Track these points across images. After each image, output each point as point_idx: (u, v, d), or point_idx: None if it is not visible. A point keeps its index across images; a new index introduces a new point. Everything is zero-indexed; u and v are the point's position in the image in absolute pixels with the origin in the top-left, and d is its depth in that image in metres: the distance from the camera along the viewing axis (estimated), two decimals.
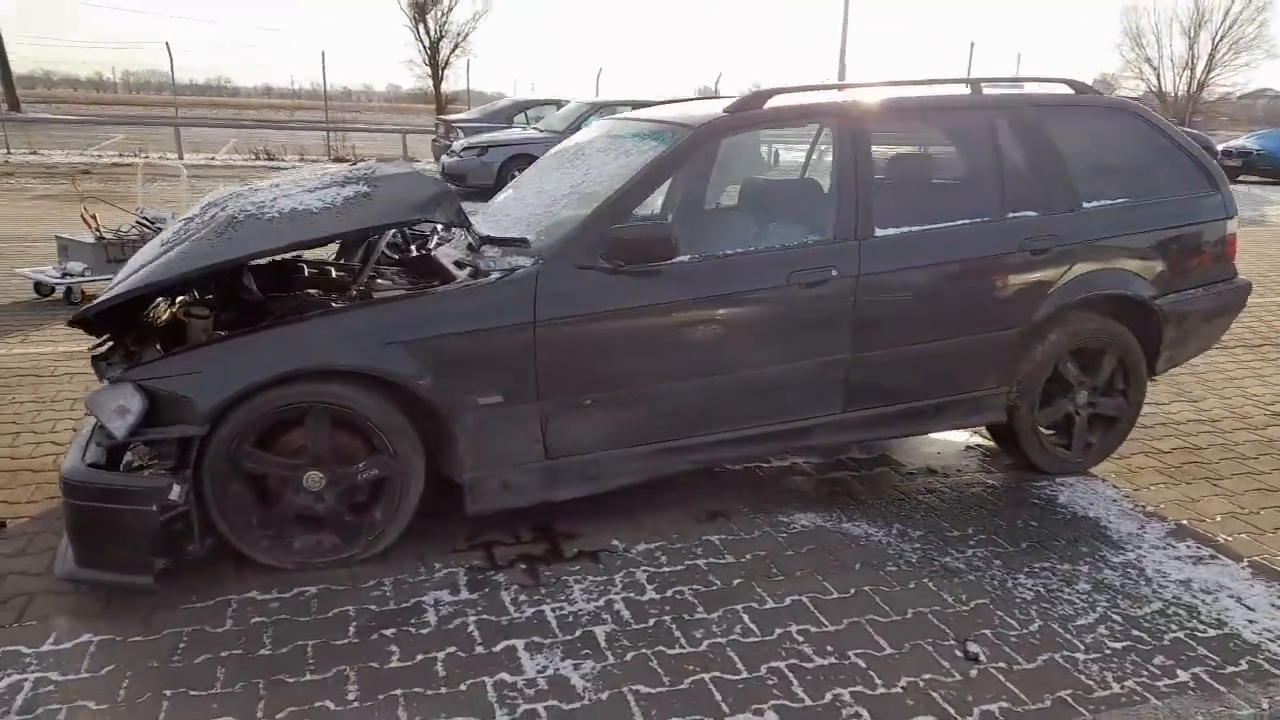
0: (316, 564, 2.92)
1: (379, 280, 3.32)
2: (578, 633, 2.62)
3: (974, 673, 2.48)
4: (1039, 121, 3.63)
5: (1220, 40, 43.37)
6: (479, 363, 2.91)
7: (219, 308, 3.19)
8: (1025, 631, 2.68)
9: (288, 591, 2.81)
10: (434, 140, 18.35)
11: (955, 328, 3.47)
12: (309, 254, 3.56)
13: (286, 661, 2.46)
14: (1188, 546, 3.23)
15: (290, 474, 2.85)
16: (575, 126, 12.33)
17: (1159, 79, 45.15)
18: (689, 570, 2.99)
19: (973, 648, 2.58)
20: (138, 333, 3.12)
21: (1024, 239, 3.51)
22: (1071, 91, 3.86)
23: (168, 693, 2.32)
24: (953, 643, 2.61)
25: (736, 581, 2.93)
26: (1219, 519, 3.46)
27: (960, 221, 3.52)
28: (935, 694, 2.38)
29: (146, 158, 17.66)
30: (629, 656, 2.51)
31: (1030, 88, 4.06)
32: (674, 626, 2.66)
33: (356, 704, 2.29)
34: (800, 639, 2.61)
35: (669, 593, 2.85)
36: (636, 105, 7.91)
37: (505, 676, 2.41)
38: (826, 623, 2.70)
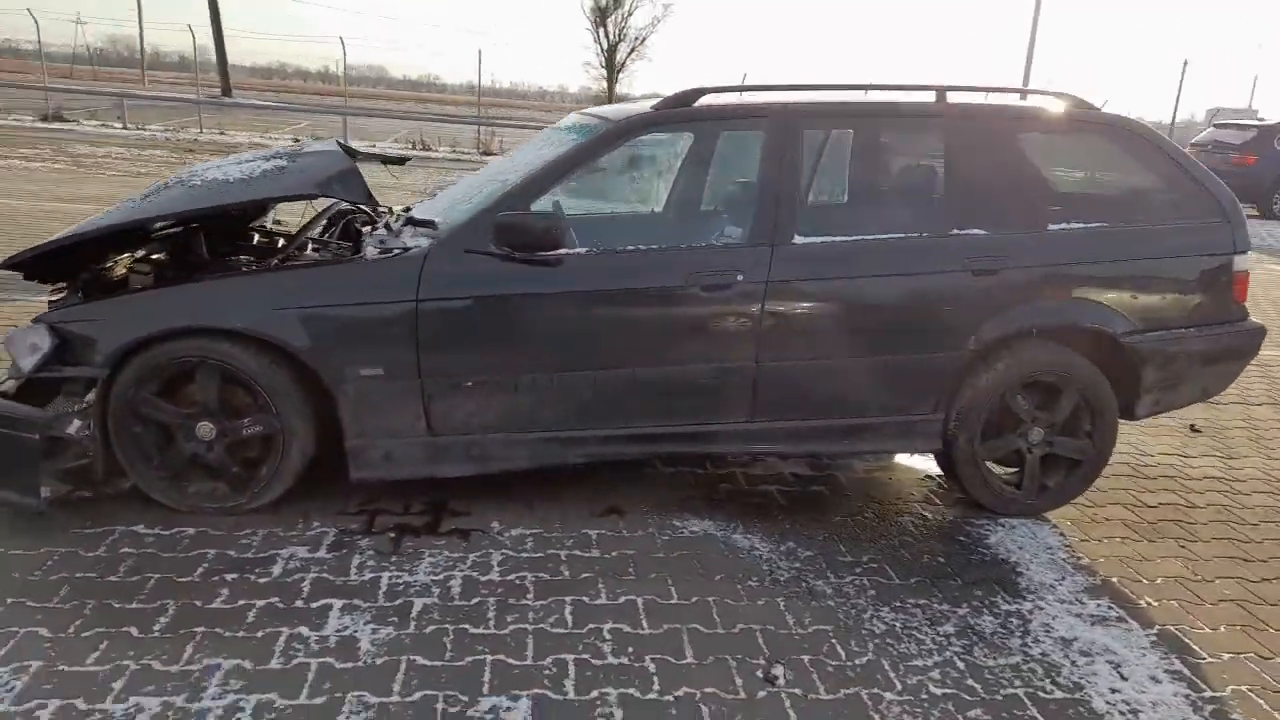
0: (206, 509, 3.14)
1: (308, 252, 3.51)
2: (398, 601, 2.70)
3: (761, 694, 2.38)
4: (1006, 135, 3.39)
5: None
6: (362, 335, 3.04)
7: (170, 266, 3.47)
8: (848, 664, 2.54)
9: (169, 530, 3.03)
10: None
11: (880, 345, 3.30)
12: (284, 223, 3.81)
13: (124, 589, 2.67)
14: (1098, 605, 2.95)
15: (183, 423, 3.08)
16: None
17: None
18: (546, 559, 3.01)
19: (776, 670, 2.47)
20: (94, 282, 3.43)
21: (966, 258, 3.29)
22: (1063, 106, 3.58)
23: (9, 600, 2.57)
24: (762, 663, 2.51)
25: (584, 575, 2.92)
26: (1159, 582, 3.13)
27: (894, 234, 3.35)
28: (706, 708, 2.31)
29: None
30: (429, 630, 2.57)
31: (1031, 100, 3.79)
32: (492, 609, 2.69)
33: (157, 634, 2.47)
34: (608, 637, 2.58)
35: (511, 577, 2.88)
36: None
37: (304, 630, 2.52)
38: (645, 626, 2.65)
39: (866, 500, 3.64)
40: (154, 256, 3.47)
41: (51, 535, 2.94)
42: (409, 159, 4.55)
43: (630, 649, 2.53)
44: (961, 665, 2.57)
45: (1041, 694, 2.47)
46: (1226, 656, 2.69)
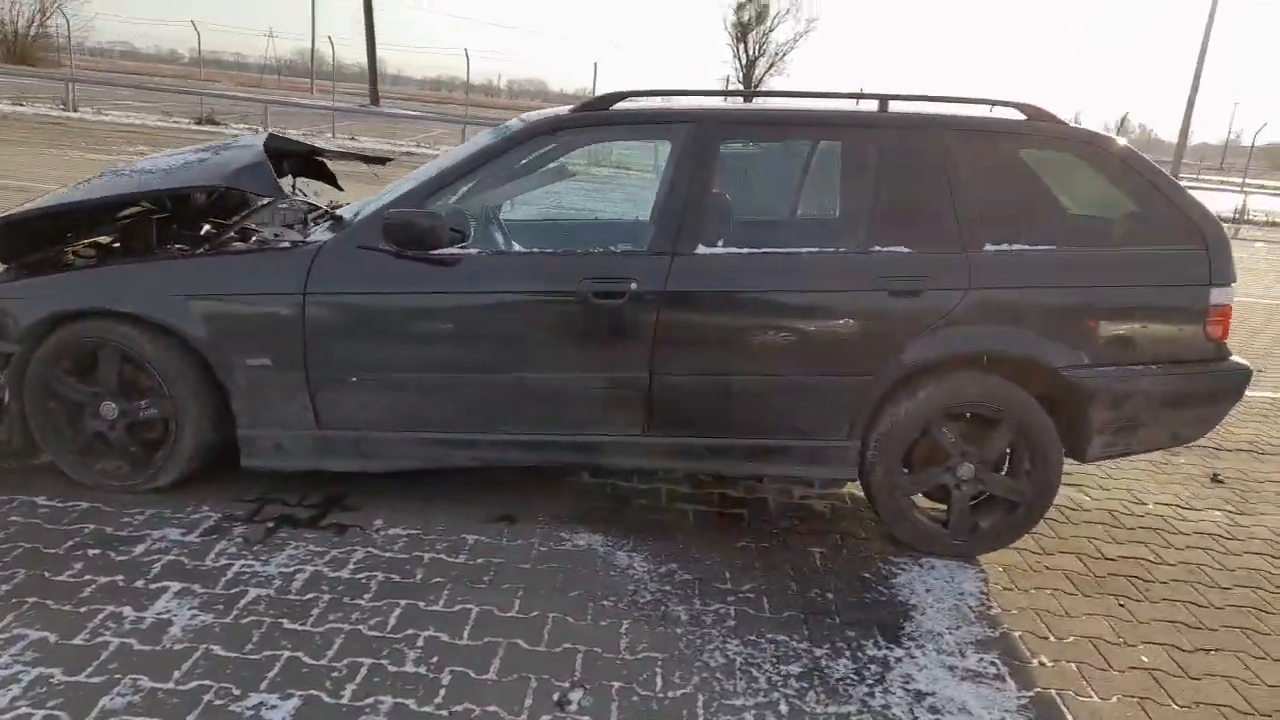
0: (109, 486, 3.25)
1: (235, 242, 3.59)
2: (233, 590, 2.71)
3: (546, 719, 2.26)
4: (946, 148, 3.14)
5: None
6: (250, 326, 3.09)
7: (119, 251, 3.61)
8: (659, 695, 2.39)
9: (65, 503, 3.16)
10: None
11: (786, 365, 3.11)
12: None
13: None
14: (980, 660, 2.67)
15: (89, 401, 3.20)
16: None
17: None
18: (407, 560, 2.97)
19: (573, 695, 2.35)
20: (45, 264, 3.61)
21: (883, 276, 3.07)
22: (1023, 117, 3.29)
23: None
24: (566, 685, 2.39)
25: (435, 580, 2.86)
26: (1069, 641, 2.81)
27: (807, 249, 3.15)
28: None
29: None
30: (245, 620, 2.57)
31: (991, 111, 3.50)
32: (321, 606, 2.67)
33: None
34: (420, 644, 2.52)
35: (361, 575, 2.86)
36: None
37: (126, 610, 2.57)
38: (465, 637, 2.57)
39: (786, 527, 3.44)
40: (103, 241, 3.63)
41: None
42: (390, 159, 4.62)
43: (435, 659, 2.46)
44: (785, 709, 2.37)
45: None
46: None
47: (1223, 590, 3.22)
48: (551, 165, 3.43)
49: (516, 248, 3.22)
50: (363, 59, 37.80)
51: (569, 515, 3.38)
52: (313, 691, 2.28)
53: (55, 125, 17.71)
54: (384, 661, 2.43)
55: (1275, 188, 24.28)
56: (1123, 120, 38.26)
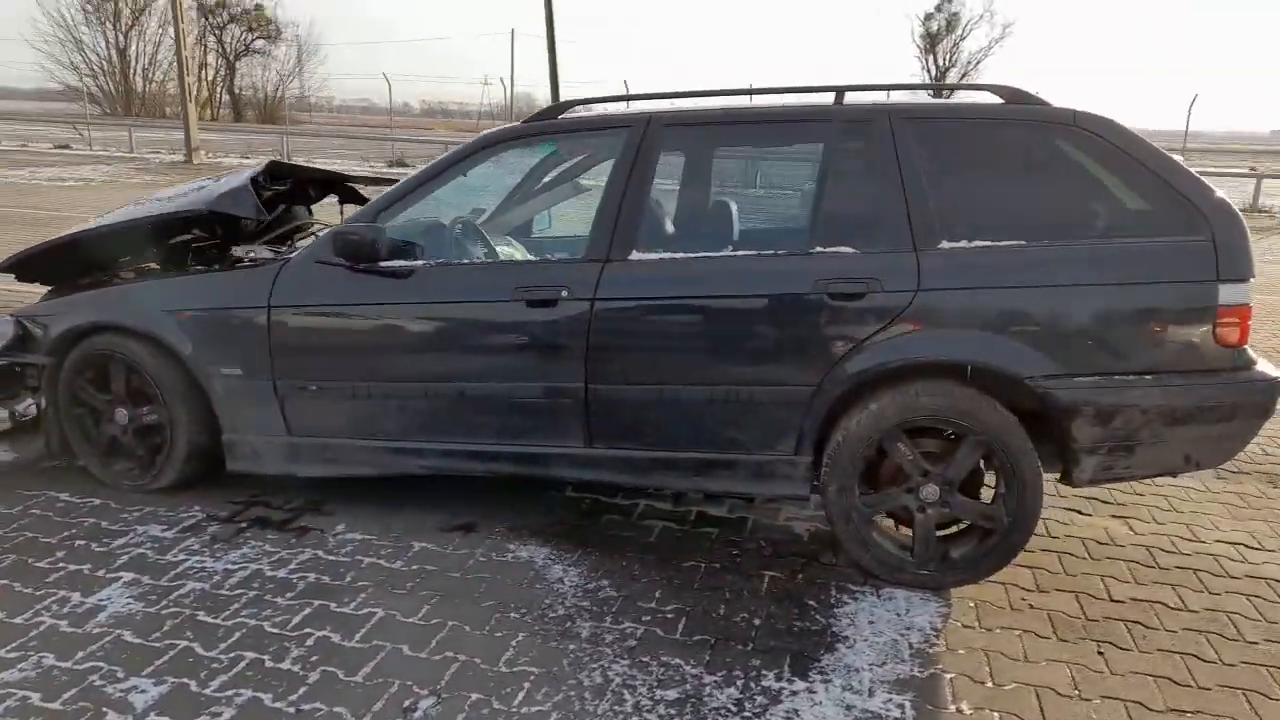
0: (123, 485, 3.59)
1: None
2: (174, 583, 2.92)
3: None
4: (895, 139, 2.91)
5: None
6: (224, 337, 3.33)
7: (159, 271, 4.00)
8: (520, 711, 2.33)
9: (83, 499, 3.52)
10: None
11: (723, 374, 2.97)
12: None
13: None
14: (886, 702, 2.41)
15: (105, 408, 3.56)
16: None
17: None
18: (346, 564, 3.07)
19: (421, 705, 2.34)
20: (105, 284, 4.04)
21: (822, 279, 2.87)
22: (999, 101, 2.99)
23: None
24: (424, 693, 2.39)
25: (361, 584, 2.94)
26: (1009, 689, 2.49)
27: (745, 251, 3.00)
28: None
29: None
30: (167, 610, 2.75)
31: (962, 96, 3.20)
32: (243, 601, 2.82)
33: None
34: (308, 643, 2.60)
35: (294, 575, 2.99)
36: None
37: (75, 596, 2.82)
38: (355, 640, 2.63)
39: (751, 548, 3.26)
40: (151, 265, 4.03)
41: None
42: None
43: (314, 658, 2.53)
44: None
45: None
46: None
47: (1245, 645, 2.74)
48: (563, 181, 3.45)
49: (467, 260, 3.27)
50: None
51: (530, 527, 3.38)
52: (185, 680, 2.41)
53: None
54: (265, 657, 2.53)
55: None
56: None
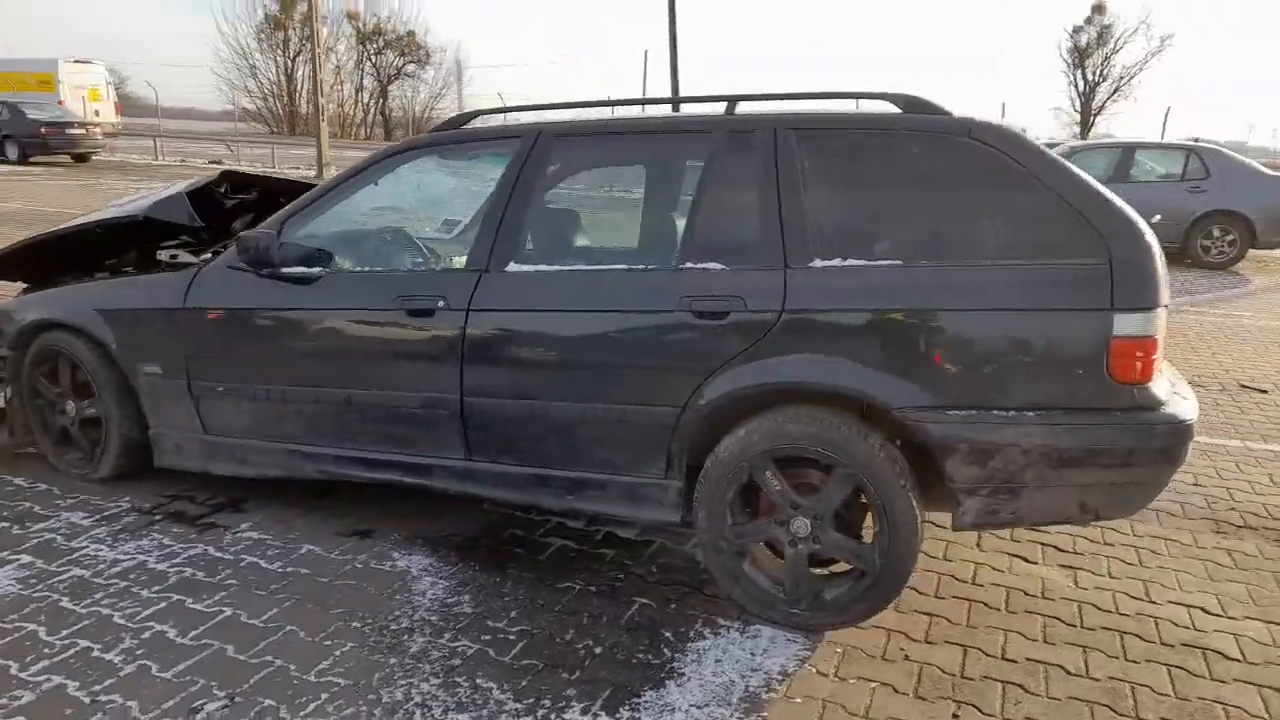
0: (72, 473, 3.78)
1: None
2: (61, 568, 3.04)
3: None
4: (776, 151, 2.74)
5: None
6: (144, 337, 3.46)
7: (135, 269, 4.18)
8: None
9: (33, 484, 3.74)
10: None
11: (591, 390, 2.87)
12: None
13: None
14: None
15: (57, 400, 3.77)
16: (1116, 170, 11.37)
17: None
18: (227, 561, 3.13)
19: (211, 706, 2.35)
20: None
21: (688, 295, 2.73)
22: (896, 110, 2.78)
23: None
24: (220, 695, 2.40)
25: (229, 581, 2.99)
26: None
27: (616, 266, 2.89)
28: (104, 715, 2.29)
29: None
30: (36, 593, 2.87)
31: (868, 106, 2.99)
32: (110, 591, 2.90)
33: None
34: (143, 636, 2.65)
35: (172, 569, 3.06)
36: None
37: None
38: (188, 637, 2.66)
39: (639, 574, 3.13)
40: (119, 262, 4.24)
41: None
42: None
43: (140, 651, 2.58)
44: None
45: None
46: None
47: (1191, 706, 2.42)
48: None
49: (367, 269, 3.29)
50: None
51: (428, 536, 3.35)
52: (8, 661, 2.50)
53: None
54: (96, 646, 2.60)
55: None
56: None
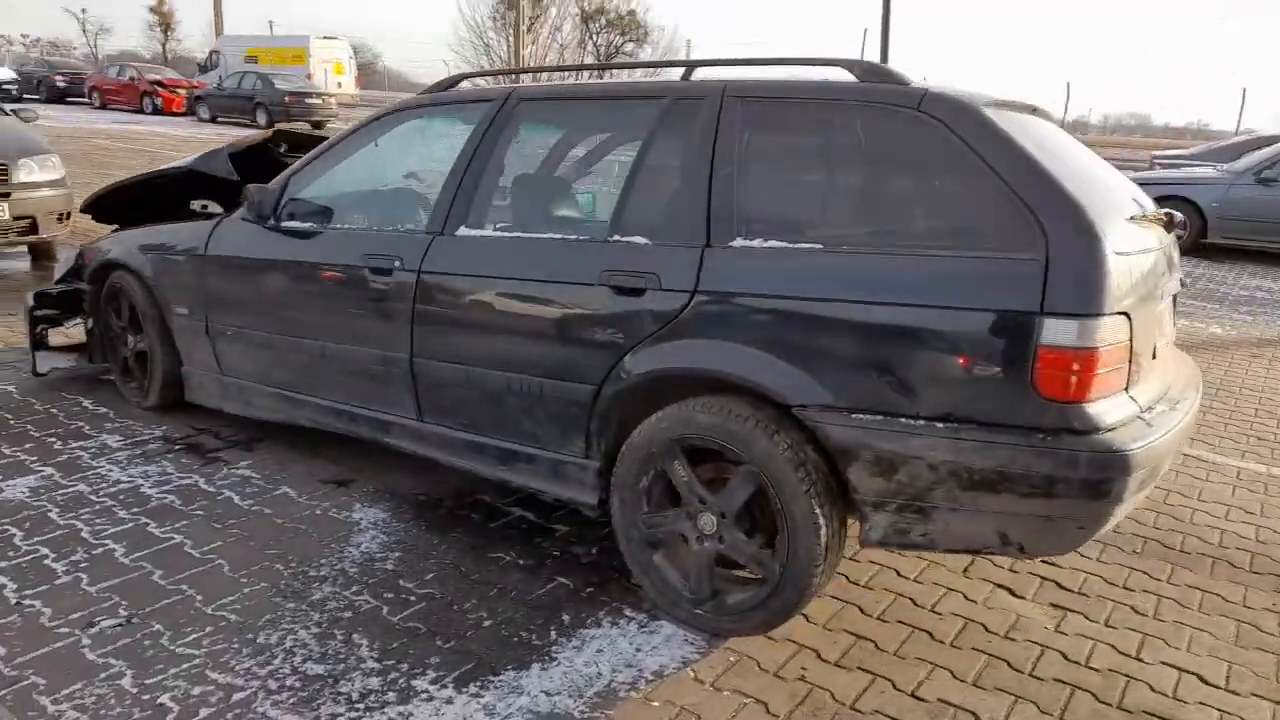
0: (131, 400, 4.18)
1: None
2: (70, 483, 3.37)
3: (64, 631, 2.49)
4: (717, 121, 2.56)
5: None
6: (175, 279, 3.75)
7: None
8: (177, 649, 2.44)
9: (98, 406, 4.16)
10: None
11: (517, 360, 2.82)
12: None
13: (18, 424, 3.85)
14: None
15: (120, 333, 4.16)
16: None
17: None
18: (208, 494, 3.34)
19: (106, 621, 2.53)
20: None
21: (609, 269, 2.61)
22: (851, 78, 2.51)
23: None
24: (123, 615, 2.57)
25: (198, 514, 3.18)
26: None
27: (552, 234, 2.80)
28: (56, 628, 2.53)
29: None
30: (38, 502, 3.20)
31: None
32: (96, 508, 3.18)
33: None
34: (94, 552, 2.88)
35: (159, 494, 3.31)
36: None
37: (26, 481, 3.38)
38: (131, 558, 2.86)
39: (575, 553, 3.06)
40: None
41: (46, 394, 4.28)
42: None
43: (84, 564, 2.81)
44: (215, 676, 2.26)
45: None
46: None
47: None
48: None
49: (348, 226, 3.39)
50: None
51: (397, 493, 3.43)
52: (45, 587, 2.73)
53: None
54: (50, 553, 2.86)
55: None
56: None
